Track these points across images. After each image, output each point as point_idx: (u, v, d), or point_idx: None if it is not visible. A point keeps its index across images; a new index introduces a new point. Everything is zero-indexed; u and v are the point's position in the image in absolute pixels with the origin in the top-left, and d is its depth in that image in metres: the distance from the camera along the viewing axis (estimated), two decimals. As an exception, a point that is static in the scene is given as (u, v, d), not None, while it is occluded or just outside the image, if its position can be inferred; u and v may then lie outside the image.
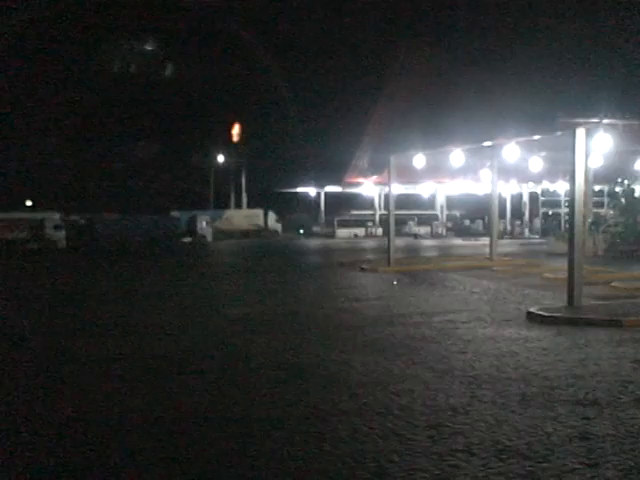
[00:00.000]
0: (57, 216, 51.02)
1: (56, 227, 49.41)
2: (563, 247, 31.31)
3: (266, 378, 9.24)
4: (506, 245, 39.31)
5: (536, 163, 22.55)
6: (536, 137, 16.22)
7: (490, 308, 15.31)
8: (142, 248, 46.35)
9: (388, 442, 6.53)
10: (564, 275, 20.21)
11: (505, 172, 29.70)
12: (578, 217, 13.89)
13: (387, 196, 62.36)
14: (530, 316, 13.55)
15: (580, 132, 13.45)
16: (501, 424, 6.99)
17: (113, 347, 11.54)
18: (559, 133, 15.14)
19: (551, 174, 34.80)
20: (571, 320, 13.01)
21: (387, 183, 25.65)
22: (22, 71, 69.77)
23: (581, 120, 12.77)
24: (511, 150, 17.25)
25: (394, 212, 26.04)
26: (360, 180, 49.03)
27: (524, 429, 6.83)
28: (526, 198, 55.61)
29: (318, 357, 10.52)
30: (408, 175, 31.48)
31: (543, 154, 22.32)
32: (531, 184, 53.06)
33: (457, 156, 20.28)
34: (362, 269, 25.19)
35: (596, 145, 14.13)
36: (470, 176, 35.98)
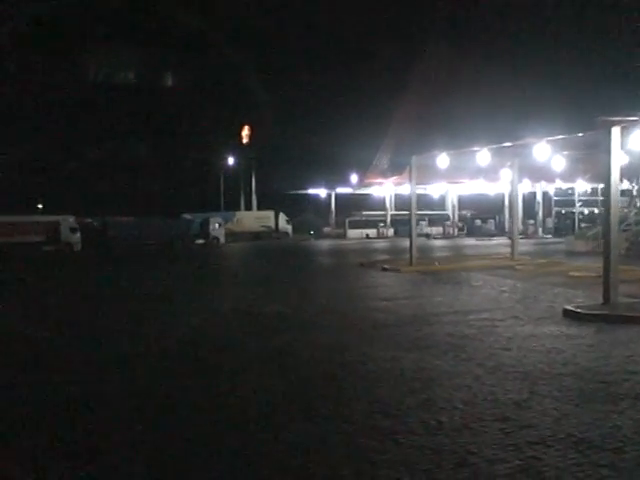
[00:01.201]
0: (72, 219, 51.18)
1: (72, 230, 49.64)
2: (582, 246, 31.64)
3: (321, 374, 9.39)
4: (521, 244, 39.28)
5: (559, 162, 22.58)
6: (568, 136, 16.28)
7: (523, 306, 15.41)
8: (158, 250, 46.55)
9: (461, 434, 6.66)
10: (590, 273, 20.49)
11: (521, 171, 29.68)
12: (614, 216, 13.98)
13: (397, 197, 63.07)
14: (567, 313, 13.65)
15: (615, 130, 13.54)
16: (568, 417, 7.12)
17: (172, 347, 11.72)
18: (591, 132, 15.20)
19: (570, 173, 34.82)
20: (609, 317, 13.11)
21: (407, 183, 25.73)
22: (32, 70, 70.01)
23: (618, 118, 12.78)
24: (541, 149, 17.35)
25: (415, 212, 26.09)
26: (380, 180, 49.12)
27: (592, 422, 6.95)
28: (539, 197, 55.54)
29: (365, 355, 10.64)
30: (428, 175, 31.54)
31: (565, 153, 22.35)
32: (543, 183, 52.99)
33: (483, 156, 20.37)
34: (384, 269, 25.30)
35: (632, 143, 14.19)
36: (490, 176, 35.99)
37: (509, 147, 22.45)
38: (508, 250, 31.99)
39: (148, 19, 71.39)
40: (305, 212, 73.34)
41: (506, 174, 28.16)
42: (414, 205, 25.35)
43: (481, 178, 41.05)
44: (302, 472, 5.84)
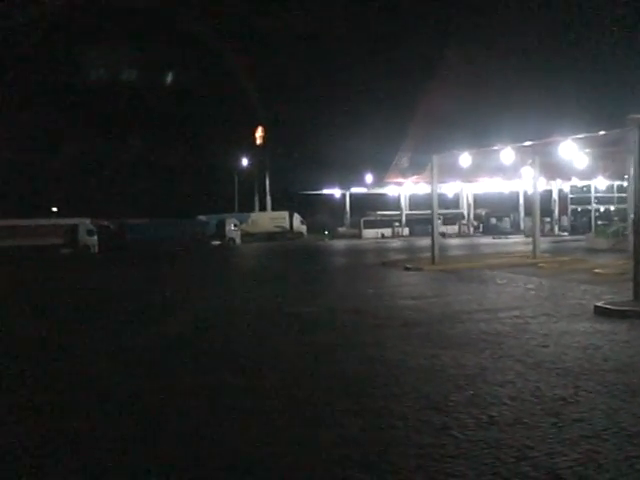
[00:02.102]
0: (89, 222, 51.62)
1: (89, 232, 50.07)
2: (603, 243, 31.64)
3: (364, 371, 9.52)
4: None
5: (580, 160, 22.62)
6: (595, 134, 16.34)
7: (552, 304, 15.48)
8: (175, 252, 46.81)
9: (515, 429, 6.76)
10: (614, 270, 20.54)
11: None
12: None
13: (412, 196, 63.10)
14: (598, 310, 13.70)
15: (645, 128, 13.57)
16: (618, 412, 7.20)
17: (208, 347, 11.89)
18: (618, 130, 15.26)
19: (591, 170, 34.79)
20: (641, 314, 13.17)
21: (426, 182, 25.81)
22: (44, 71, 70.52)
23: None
24: (567, 147, 17.42)
25: (437, 211, 26.18)
26: (400, 180, 49.25)
27: (642, 416, 7.05)
28: (556, 195, 55.44)
29: (403, 352, 10.76)
30: (447, 174, 31.61)
31: (587, 150, 22.37)
32: (559, 181, 52.89)
33: (507, 154, 20.45)
34: (407, 268, 25.38)
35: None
36: (509, 174, 36.02)
37: (530, 145, 22.54)
38: (527, 248, 32.06)
39: (162, 19, 71.87)
40: (319, 212, 73.48)
41: (527, 172, 28.19)
42: (435, 204, 25.47)
43: (500, 176, 41.06)
44: (363, 467, 5.95)
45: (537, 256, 26.50)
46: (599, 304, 13.97)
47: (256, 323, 14.54)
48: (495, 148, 21.85)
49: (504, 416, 7.20)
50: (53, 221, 52.35)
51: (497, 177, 41.62)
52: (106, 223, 54.50)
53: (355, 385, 8.81)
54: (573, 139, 18.10)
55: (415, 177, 42.32)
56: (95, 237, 50.11)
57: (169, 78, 76.92)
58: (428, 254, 30.36)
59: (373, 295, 18.84)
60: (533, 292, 17.85)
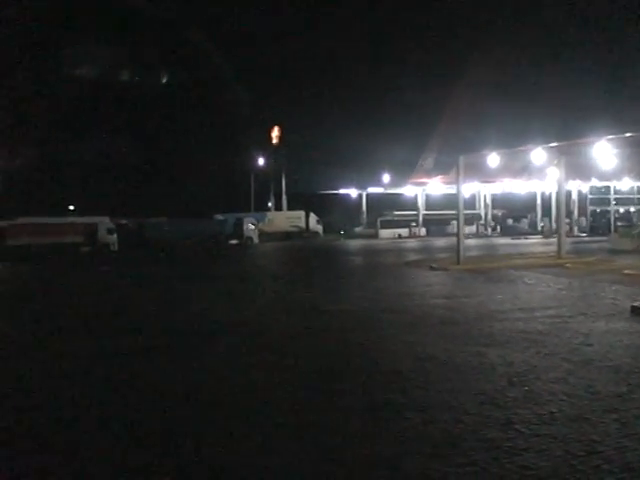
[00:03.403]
0: (109, 220, 51.96)
1: (109, 231, 50.42)
2: (627, 244, 31.56)
3: (413, 368, 9.62)
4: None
5: (607, 160, 22.62)
6: (633, 135, 16.37)
7: (586, 304, 15.53)
8: (195, 250, 47.06)
9: (578, 424, 6.85)
10: (644, 271, 20.55)
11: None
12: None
13: (428, 196, 63.14)
14: (635, 310, 13.76)
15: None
16: (677, 408, 7.30)
17: (250, 346, 12.05)
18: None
19: (616, 171, 34.73)
20: (679, 314, 13.21)
21: (455, 182, 25.89)
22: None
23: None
24: (601, 148, 17.45)
25: (462, 211, 26.23)
26: (425, 180, 49.38)
27: (703, 412, 7.13)
28: (575, 196, 55.38)
29: (447, 349, 10.85)
30: (474, 175, 31.67)
31: (615, 151, 22.37)
32: (578, 181, 52.81)
33: (538, 155, 20.49)
34: (432, 268, 25.46)
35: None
36: (536, 175, 36.03)
37: (558, 146, 22.58)
38: (548, 249, 32.12)
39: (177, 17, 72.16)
40: (334, 212, 73.62)
41: (553, 172, 28.21)
42: (461, 204, 25.55)
43: (525, 177, 41.06)
44: (438, 458, 6.07)
45: (562, 256, 26.51)
46: (636, 304, 14.01)
47: (294, 320, 14.65)
48: (522, 148, 21.88)
49: (564, 412, 7.29)
50: (73, 220, 52.62)
51: (522, 178, 41.56)
52: (124, 222, 54.86)
53: (409, 381, 8.91)
54: (607, 139, 18.15)
55: (440, 177, 42.38)
56: (115, 235, 50.50)
57: (186, 78, 77.28)
58: (448, 254, 30.56)
59: (403, 294, 18.92)
60: (565, 292, 17.90)
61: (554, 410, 7.36)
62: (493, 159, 22.24)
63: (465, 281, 21.65)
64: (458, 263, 25.52)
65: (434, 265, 25.78)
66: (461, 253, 25.72)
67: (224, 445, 6.62)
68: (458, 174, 25.05)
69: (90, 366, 10.34)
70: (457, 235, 25.90)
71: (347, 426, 7.11)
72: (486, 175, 34.92)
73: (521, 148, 21.44)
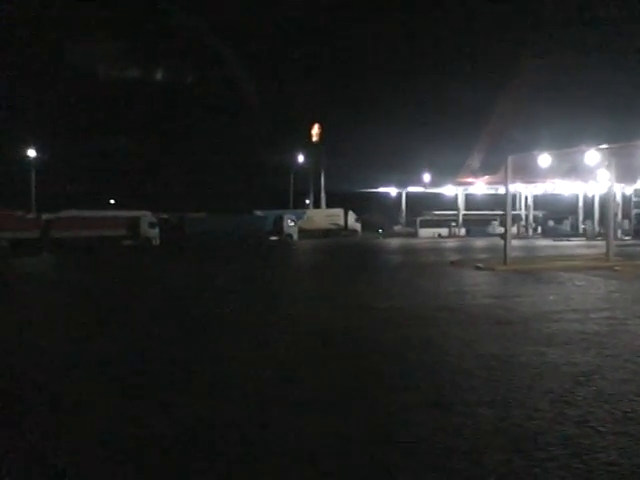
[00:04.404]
0: (151, 214, 52.65)
1: (151, 225, 51.08)
2: (677, 248, 31.08)
3: (477, 366, 9.69)
4: (603, 246, 38.79)
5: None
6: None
7: (641, 306, 15.42)
8: (236, 246, 47.44)
9: (654, 425, 6.90)
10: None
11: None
12: None
13: (467, 196, 62.82)
14: (695, 314, 13.64)
15: None
16: None
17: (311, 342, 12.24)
18: None
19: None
20: None
21: (502, 183, 25.78)
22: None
23: None
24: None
25: (510, 212, 26.11)
26: (471, 180, 49.29)
27: None
28: (619, 198, 54.56)
29: (509, 349, 10.88)
30: (521, 175, 31.51)
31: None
32: (622, 184, 52.03)
33: (592, 156, 20.35)
34: (478, 268, 25.41)
35: None
36: (585, 176, 35.69)
37: (609, 148, 22.37)
38: (592, 251, 31.81)
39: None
40: (373, 211, 73.61)
41: (603, 174, 27.96)
42: (509, 204, 25.49)
43: (574, 178, 40.69)
44: (516, 452, 6.16)
45: (610, 259, 26.24)
46: (695, 308, 13.88)
47: (350, 317, 14.77)
48: (574, 150, 21.73)
49: (637, 412, 7.32)
50: (116, 213, 53.47)
51: (569, 179, 41.17)
52: (165, 216, 55.52)
53: (475, 379, 8.98)
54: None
55: (486, 177, 42.23)
56: (157, 230, 51.13)
57: (224, 74, 77.91)
58: (491, 254, 30.45)
59: (453, 293, 18.94)
60: (616, 294, 17.77)
61: (627, 410, 7.39)
62: (544, 159, 22.11)
63: (514, 282, 21.58)
64: (505, 263, 25.41)
65: (480, 265, 25.71)
66: (508, 253, 25.58)
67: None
68: (506, 174, 24.95)
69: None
70: (504, 235, 25.80)
71: (418, 419, 7.24)
72: (533, 176, 34.69)
73: (573, 149, 21.29)
